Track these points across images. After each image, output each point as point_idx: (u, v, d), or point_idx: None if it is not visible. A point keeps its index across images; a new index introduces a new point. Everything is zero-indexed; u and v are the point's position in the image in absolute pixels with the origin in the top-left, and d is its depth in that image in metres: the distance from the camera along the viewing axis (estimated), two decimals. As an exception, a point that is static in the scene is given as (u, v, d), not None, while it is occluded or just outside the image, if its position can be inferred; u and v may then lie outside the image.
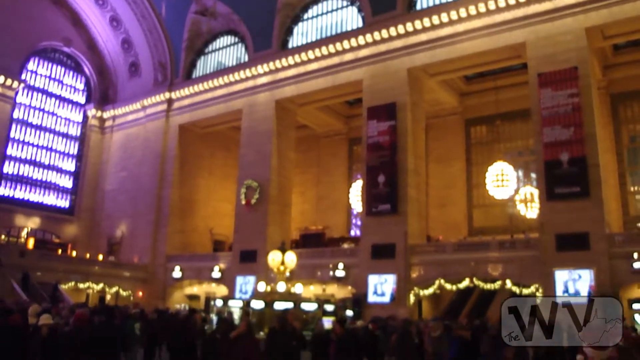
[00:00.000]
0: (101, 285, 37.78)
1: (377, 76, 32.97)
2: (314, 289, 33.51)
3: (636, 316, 25.37)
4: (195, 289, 40.64)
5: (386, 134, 31.42)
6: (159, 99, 44.32)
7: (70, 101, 48.57)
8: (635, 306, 25.81)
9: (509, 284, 27.29)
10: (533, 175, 33.66)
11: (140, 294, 39.07)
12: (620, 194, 32.62)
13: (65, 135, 48.09)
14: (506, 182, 30.90)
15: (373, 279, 29.94)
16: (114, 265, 40.99)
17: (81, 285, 36.91)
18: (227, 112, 40.45)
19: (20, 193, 44.69)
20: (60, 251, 41.90)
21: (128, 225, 44.14)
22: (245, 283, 34.51)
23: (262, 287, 21.66)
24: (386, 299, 29.27)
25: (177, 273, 39.33)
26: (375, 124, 31.96)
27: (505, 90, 35.54)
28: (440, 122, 39.08)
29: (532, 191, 31.81)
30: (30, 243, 41.28)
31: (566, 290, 24.78)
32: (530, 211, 31.81)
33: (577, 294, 24.50)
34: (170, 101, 43.79)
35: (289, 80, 36.91)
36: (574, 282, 24.71)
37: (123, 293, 38.55)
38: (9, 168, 44.01)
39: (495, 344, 15.80)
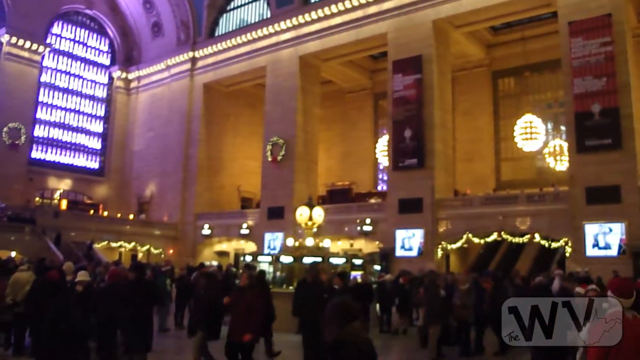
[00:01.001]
0: (133, 243, 38.74)
1: (401, 29, 32.37)
2: (341, 244, 33.79)
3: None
4: (224, 246, 41.35)
5: (412, 88, 31.03)
6: (182, 59, 44.28)
7: (95, 63, 48.84)
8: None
9: (537, 237, 27.15)
10: (562, 127, 33.06)
11: (171, 251, 39.89)
12: (653, 145, 31.83)
13: (92, 98, 48.53)
14: (535, 135, 30.47)
15: (400, 234, 30.06)
16: (144, 224, 41.88)
17: (114, 244, 37.91)
18: (251, 69, 40.28)
19: (52, 156, 45.52)
20: (92, 212, 42.82)
21: (157, 184, 44.79)
22: (273, 239, 34.94)
23: (290, 242, 21.85)
24: (414, 253, 29.43)
25: (206, 230, 40.00)
26: (400, 78, 31.56)
27: (534, 41, 34.62)
28: (467, 74, 38.39)
29: (561, 144, 31.34)
30: (64, 204, 42.28)
31: (596, 244, 24.58)
32: (560, 164, 31.40)
33: (607, 247, 24.32)
34: (194, 60, 43.72)
35: (312, 35, 36.47)
36: (604, 236, 24.47)
37: (154, 251, 39.45)
38: (39, 131, 44.72)
39: (520, 295, 15.88)
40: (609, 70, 25.44)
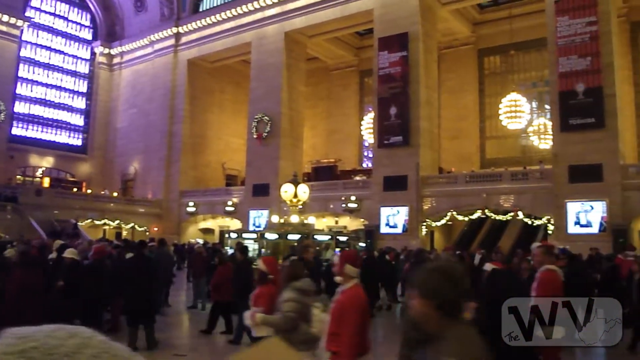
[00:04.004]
0: (117, 221, 38.47)
1: (388, 5, 32.12)
2: (326, 221, 33.87)
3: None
4: (209, 223, 41.29)
5: (398, 65, 30.92)
6: (166, 34, 43.68)
7: (77, 38, 48.03)
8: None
9: (520, 215, 27.39)
10: (547, 106, 33.14)
11: (156, 229, 39.71)
12: (635, 125, 32.16)
13: (74, 74, 47.82)
14: (519, 114, 30.63)
15: (385, 211, 30.18)
16: (128, 201, 41.62)
17: (97, 222, 37.62)
18: (236, 45, 39.87)
19: (33, 133, 44.95)
20: (75, 189, 42.45)
21: (141, 161, 44.47)
22: (258, 216, 34.93)
23: (275, 219, 21.87)
24: (398, 230, 29.59)
25: (190, 208, 39.87)
26: (386, 55, 31.41)
27: (520, 19, 34.59)
28: (453, 52, 38.33)
29: (545, 122, 31.52)
30: (46, 182, 41.82)
31: (578, 222, 24.90)
32: (544, 143, 31.62)
33: (588, 225, 24.63)
34: (177, 36, 43.15)
35: (298, 11, 36.09)
36: (586, 214, 24.81)
37: (138, 229, 39.24)
38: (20, 108, 44.03)
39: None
40: (593, 49, 25.51)
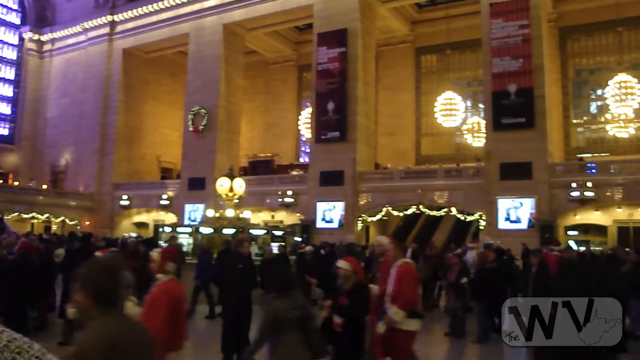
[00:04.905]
0: (46, 215, 37.02)
1: (328, 1, 32.19)
2: (263, 216, 33.73)
3: (570, 242, 26.63)
4: (143, 217, 40.37)
5: (336, 61, 31.04)
6: (100, 22, 42.25)
7: (3, 22, 45.88)
8: (570, 232, 27.14)
9: (454, 211, 28.07)
10: (481, 105, 34.05)
11: (87, 223, 38.55)
12: (563, 126, 33.53)
13: (0, 60, 45.68)
14: (454, 112, 31.33)
15: (321, 206, 30.29)
16: (58, 194, 40.10)
17: (25, 216, 36.08)
18: (173, 36, 39.02)
19: (-45, 120, 42.74)
20: (1, 181, 40.60)
21: (72, 153, 42.97)
22: (194, 210, 34.42)
23: (210, 213, 21.62)
24: (334, 225, 29.76)
25: (124, 201, 38.86)
26: (325, 51, 31.49)
27: (457, 20, 35.30)
28: (391, 50, 38.81)
29: (479, 121, 32.38)
30: (-32, 173, 39.90)
31: (508, 218, 25.74)
32: (477, 141, 32.49)
33: (518, 221, 25.49)
34: (113, 24, 41.85)
35: (237, 3, 35.63)
36: (516, 210, 25.66)
37: (69, 222, 37.90)
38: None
39: (431, 265, 16.51)
40: (525, 52, 26.39)
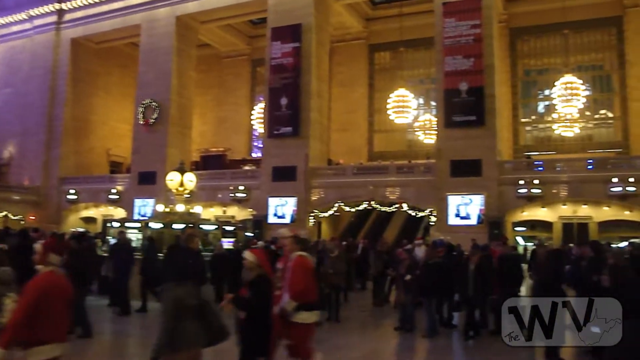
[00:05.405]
0: (-13, 209, 35.71)
1: (282, -5, 32.06)
2: (214, 211, 33.35)
3: (518, 238, 27.34)
4: (91, 212, 39.41)
5: (290, 56, 30.94)
6: (48, 10, 40.86)
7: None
8: (518, 228, 27.82)
9: (405, 207, 28.36)
10: (433, 103, 34.48)
11: (32, 218, 37.31)
12: (512, 124, 34.34)
13: (-62, 46, 43.76)
14: (407, 109, 31.63)
15: (273, 201, 30.18)
16: (1, 188, 38.63)
17: (-35, 211, 34.75)
18: (125, 27, 38.06)
19: None
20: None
21: (16, 145, 41.48)
22: (144, 205, 33.79)
23: (160, 208, 21.25)
24: (286, 220, 29.68)
25: (72, 196, 37.84)
26: (279, 45, 31.34)
27: (411, 18, 35.58)
28: (344, 46, 38.93)
29: (431, 118, 32.82)
30: None
31: (458, 214, 26.18)
32: (429, 138, 32.92)
33: (467, 217, 25.96)
34: (61, 12, 40.56)
35: (191, -5, 35.14)
36: (466, 206, 26.13)
37: (13, 217, 36.62)
38: None
39: (383, 260, 16.67)
40: (476, 51, 26.89)
